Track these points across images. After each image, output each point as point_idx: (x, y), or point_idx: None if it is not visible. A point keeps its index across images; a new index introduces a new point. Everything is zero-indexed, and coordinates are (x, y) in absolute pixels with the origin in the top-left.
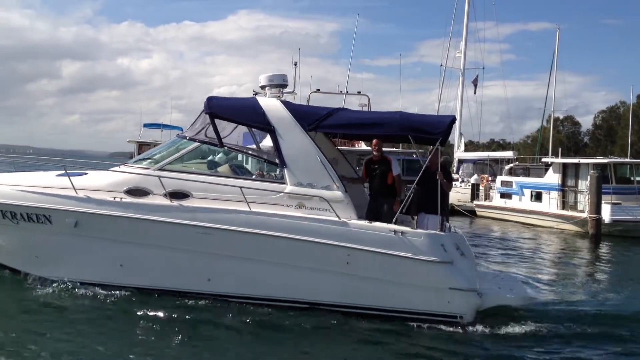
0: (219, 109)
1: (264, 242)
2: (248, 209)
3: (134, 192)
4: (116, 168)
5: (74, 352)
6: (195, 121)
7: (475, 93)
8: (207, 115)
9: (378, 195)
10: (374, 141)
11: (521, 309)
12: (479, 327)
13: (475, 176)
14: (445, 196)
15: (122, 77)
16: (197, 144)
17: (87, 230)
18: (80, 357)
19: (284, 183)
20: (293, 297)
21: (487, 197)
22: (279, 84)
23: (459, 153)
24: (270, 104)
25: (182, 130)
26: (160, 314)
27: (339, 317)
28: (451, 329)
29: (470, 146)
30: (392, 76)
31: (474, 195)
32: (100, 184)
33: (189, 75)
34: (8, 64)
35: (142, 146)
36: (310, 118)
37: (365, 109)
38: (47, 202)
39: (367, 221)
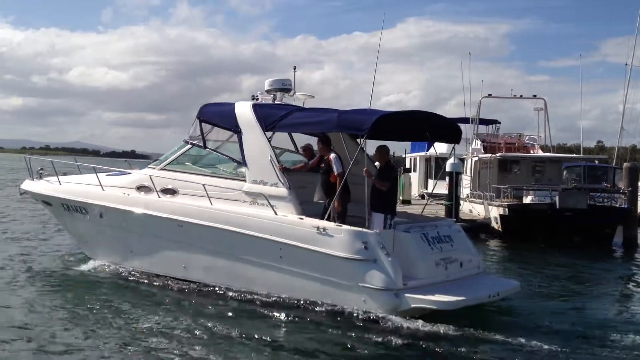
0: (205, 114)
1: (218, 235)
2: (210, 204)
3: (141, 188)
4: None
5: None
6: (193, 125)
7: None
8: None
9: (324, 193)
10: (317, 142)
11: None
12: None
13: None
14: (383, 194)
15: (296, 88)
16: (188, 146)
17: (109, 220)
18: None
19: (244, 180)
20: (242, 288)
21: None
22: (278, 88)
23: None
24: (241, 108)
25: None
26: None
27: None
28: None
29: None
30: (570, 77)
31: None
32: (123, 182)
33: (358, 84)
34: (195, 79)
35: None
36: (268, 120)
37: (541, 113)
38: (83, 197)
39: (298, 217)
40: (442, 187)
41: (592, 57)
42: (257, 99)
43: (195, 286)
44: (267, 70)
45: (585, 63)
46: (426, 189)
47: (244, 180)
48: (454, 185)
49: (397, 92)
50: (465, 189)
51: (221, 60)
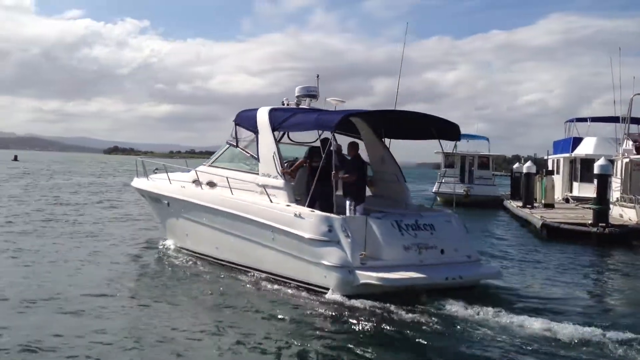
0: (239, 119)
1: (233, 219)
2: (231, 194)
3: (194, 182)
4: None
5: None
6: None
7: None
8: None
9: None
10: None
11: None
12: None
13: None
14: (348, 183)
15: (428, 90)
16: (227, 145)
17: (172, 208)
18: None
19: (257, 174)
20: (254, 267)
21: None
22: (304, 94)
23: None
24: (260, 112)
25: (487, 140)
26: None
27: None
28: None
29: None
30: None
31: None
32: (185, 177)
33: (495, 84)
34: (329, 84)
35: (448, 157)
36: (277, 121)
37: None
38: (157, 190)
39: (287, 204)
40: (588, 190)
41: None
42: (284, 104)
43: (223, 265)
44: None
45: None
46: (571, 192)
47: (257, 174)
48: (603, 188)
49: (538, 91)
50: (615, 192)
51: (354, 64)
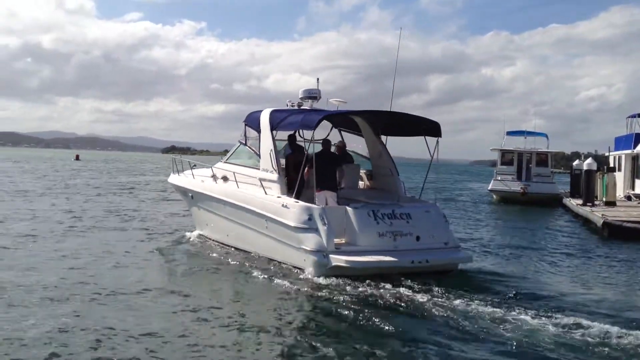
0: (247, 119)
1: (237, 209)
2: (237, 187)
3: (212, 177)
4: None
5: None
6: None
7: None
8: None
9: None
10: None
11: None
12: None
13: None
14: (316, 174)
15: (485, 86)
16: (238, 144)
17: (195, 200)
18: None
19: (258, 169)
20: (253, 251)
21: None
22: (306, 96)
23: None
24: (263, 114)
25: (546, 137)
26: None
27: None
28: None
29: None
30: None
31: None
32: (206, 172)
33: (554, 79)
34: (383, 81)
35: (504, 154)
36: (275, 122)
37: None
38: (183, 184)
39: (277, 196)
40: None
41: None
42: (288, 106)
43: (232, 250)
44: (455, 69)
45: None
46: (633, 189)
47: (259, 169)
48: None
49: (599, 86)
50: None
51: (409, 61)
